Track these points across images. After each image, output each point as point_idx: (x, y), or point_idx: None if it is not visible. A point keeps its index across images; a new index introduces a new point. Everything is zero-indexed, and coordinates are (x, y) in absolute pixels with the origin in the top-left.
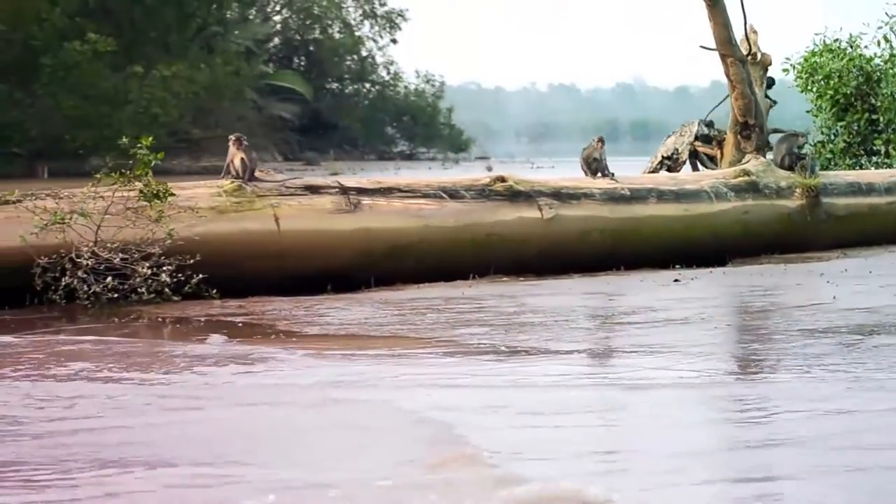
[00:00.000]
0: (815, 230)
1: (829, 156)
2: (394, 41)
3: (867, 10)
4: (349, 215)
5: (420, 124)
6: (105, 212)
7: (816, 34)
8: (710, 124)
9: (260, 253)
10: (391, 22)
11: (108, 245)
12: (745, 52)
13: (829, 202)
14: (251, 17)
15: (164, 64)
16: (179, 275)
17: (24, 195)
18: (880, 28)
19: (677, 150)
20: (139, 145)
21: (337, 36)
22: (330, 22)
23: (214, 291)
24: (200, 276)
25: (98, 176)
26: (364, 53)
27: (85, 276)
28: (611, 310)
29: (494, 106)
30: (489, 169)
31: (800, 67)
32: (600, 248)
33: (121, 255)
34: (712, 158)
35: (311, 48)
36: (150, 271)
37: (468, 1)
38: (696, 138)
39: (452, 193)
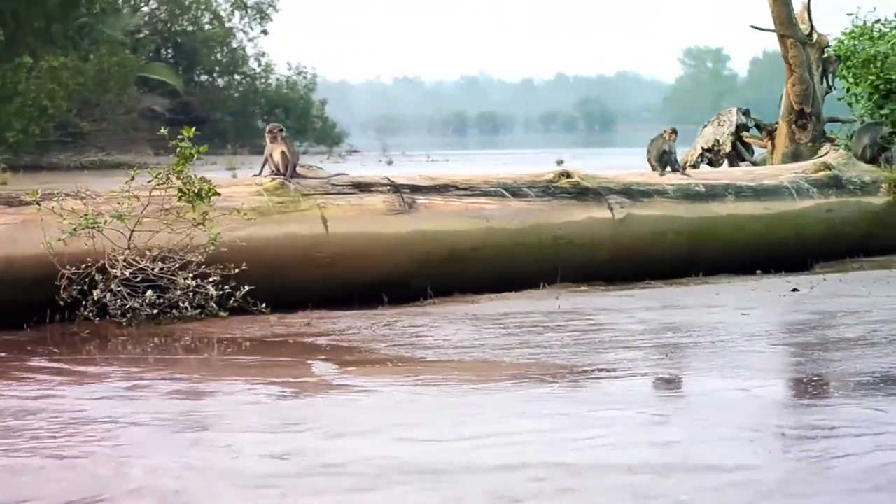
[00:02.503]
0: None
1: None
2: (264, 32)
3: None
4: (403, 216)
5: (292, 117)
6: (141, 214)
7: (849, 14)
8: (746, 112)
9: (307, 259)
10: (262, 13)
11: (145, 252)
12: (805, 33)
13: None
14: (119, 7)
15: (51, 55)
16: (224, 286)
17: (46, 195)
18: None
19: (718, 140)
20: (180, 136)
21: (207, 27)
22: (199, 13)
23: (264, 305)
24: (246, 287)
25: (132, 172)
26: (234, 45)
27: (118, 288)
28: (769, 326)
29: (339, 99)
30: (389, 163)
31: (832, 51)
32: (675, 251)
33: (160, 264)
34: (748, 148)
35: (180, 40)
36: (193, 283)
37: None
38: (737, 128)
39: (515, 191)
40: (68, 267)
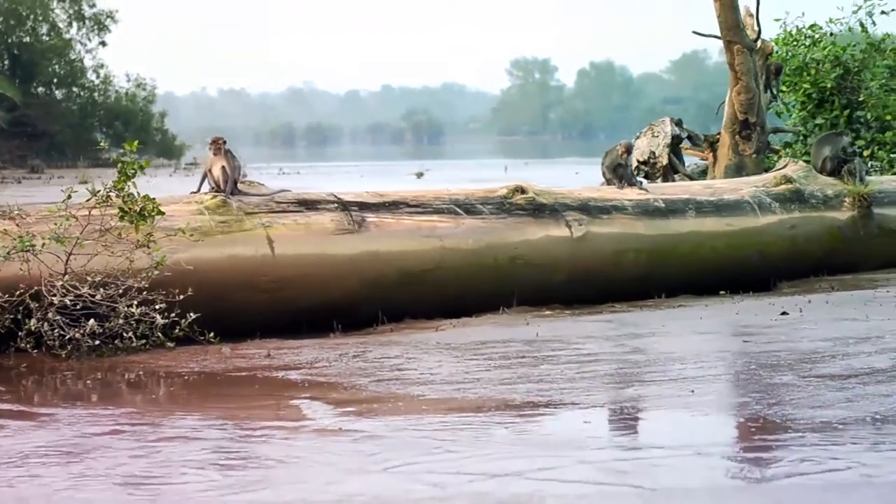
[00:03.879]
0: (867, 246)
1: (804, 158)
2: (103, 44)
3: None
4: (353, 236)
5: (132, 130)
6: (80, 235)
7: (777, 20)
8: (679, 123)
9: (252, 283)
10: (100, 24)
11: (84, 277)
12: (752, 38)
13: (879, 213)
14: None
15: None
16: (170, 314)
17: None
18: (855, 12)
19: (654, 153)
20: (122, 150)
21: (45, 38)
22: (37, 24)
23: (212, 335)
24: (192, 315)
25: (66, 190)
26: (73, 57)
27: (56, 317)
28: (774, 355)
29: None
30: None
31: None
32: (635, 270)
33: (101, 290)
34: (680, 160)
35: (17, 51)
36: (137, 310)
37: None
38: (672, 139)
39: (468, 208)
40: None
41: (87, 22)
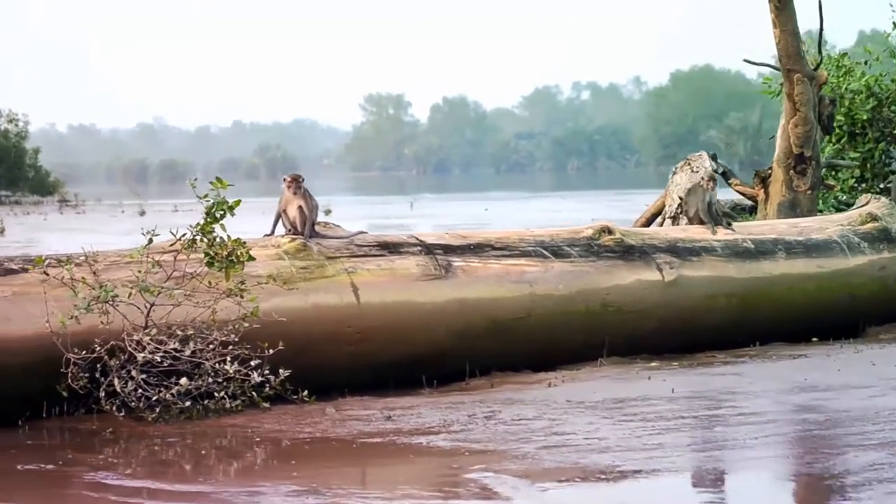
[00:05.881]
0: None
1: (838, 194)
2: None
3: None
4: (440, 282)
5: (4, 167)
6: (165, 284)
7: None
8: (714, 157)
9: (337, 334)
10: None
11: (172, 330)
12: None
13: None
14: None
15: None
16: (265, 371)
17: (53, 259)
18: (889, 36)
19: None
20: (212, 189)
21: None
22: None
23: (305, 393)
24: (283, 371)
25: (147, 233)
26: None
27: (140, 375)
28: None
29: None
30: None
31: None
32: (726, 316)
33: (191, 345)
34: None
35: None
36: (232, 368)
37: None
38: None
39: (555, 250)
40: (75, 350)
41: None
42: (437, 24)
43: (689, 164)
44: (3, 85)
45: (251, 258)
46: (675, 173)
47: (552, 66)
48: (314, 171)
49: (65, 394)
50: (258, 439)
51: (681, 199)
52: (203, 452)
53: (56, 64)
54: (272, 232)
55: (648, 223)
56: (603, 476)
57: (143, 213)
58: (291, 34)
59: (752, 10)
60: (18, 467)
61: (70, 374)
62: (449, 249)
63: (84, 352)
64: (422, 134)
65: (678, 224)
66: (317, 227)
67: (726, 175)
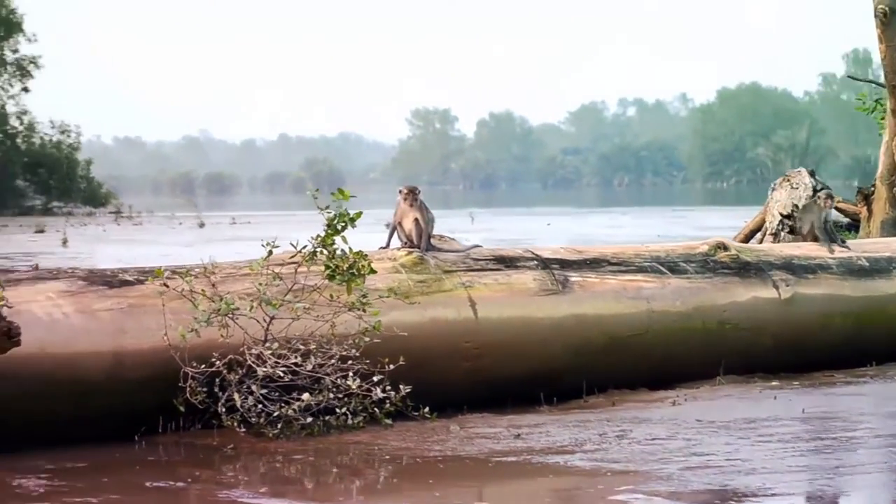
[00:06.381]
0: None
1: None
2: (25, 90)
3: None
4: (557, 297)
5: (57, 177)
6: (285, 298)
7: None
8: (812, 173)
9: (454, 350)
10: (22, 69)
11: (293, 344)
12: None
13: None
14: None
15: None
16: (386, 386)
17: (174, 271)
18: None
19: (796, 206)
20: (334, 201)
21: None
22: None
23: (426, 409)
24: (404, 387)
25: (266, 245)
26: None
27: (261, 390)
28: None
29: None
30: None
31: None
32: (841, 335)
33: (312, 359)
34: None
35: None
36: (355, 383)
37: None
38: (813, 191)
39: (671, 266)
40: (193, 364)
41: (8, 67)
42: (481, 40)
43: (789, 181)
44: (52, 96)
45: (373, 271)
46: (774, 190)
47: (598, 82)
48: (361, 185)
49: (182, 409)
50: (387, 457)
51: (783, 215)
52: (336, 470)
53: (101, 76)
54: (387, 244)
55: (747, 239)
56: (756, 499)
57: (202, 226)
58: (337, 49)
59: (801, 28)
60: (147, 484)
61: (189, 389)
62: (565, 264)
63: (203, 365)
64: (468, 149)
65: (778, 241)
66: (432, 241)
67: (815, 191)
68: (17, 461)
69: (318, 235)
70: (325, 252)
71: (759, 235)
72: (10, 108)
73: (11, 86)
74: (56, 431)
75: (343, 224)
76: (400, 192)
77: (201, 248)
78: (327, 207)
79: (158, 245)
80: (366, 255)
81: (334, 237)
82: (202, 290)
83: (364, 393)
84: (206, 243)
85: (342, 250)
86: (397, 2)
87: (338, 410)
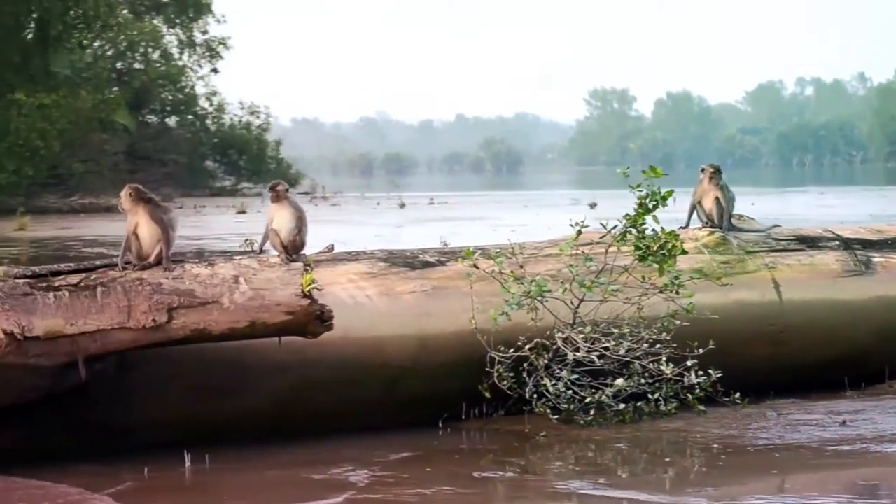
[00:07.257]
0: None
1: None
2: (215, 71)
3: None
4: (860, 279)
5: (247, 158)
6: (598, 280)
7: None
8: None
9: (757, 333)
10: (212, 51)
11: (598, 327)
12: None
13: None
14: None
15: (42, 92)
16: (698, 371)
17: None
18: None
19: None
20: (646, 181)
21: (156, 65)
22: (148, 51)
23: (737, 395)
24: (715, 372)
25: (576, 225)
26: (184, 84)
27: (571, 376)
28: None
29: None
30: (401, 206)
31: None
32: None
33: (624, 343)
34: None
35: (126, 78)
36: (669, 368)
37: None
38: None
39: None
40: (500, 348)
41: (198, 49)
42: (653, 19)
43: None
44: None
45: (684, 252)
46: None
47: (775, 61)
48: (539, 166)
49: (487, 394)
50: (715, 445)
51: None
52: (674, 459)
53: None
54: (687, 224)
55: None
56: None
57: (402, 206)
58: (513, 31)
59: None
60: (475, 475)
61: (497, 374)
62: (867, 244)
63: (510, 350)
64: (646, 128)
65: None
66: (733, 220)
67: None
68: (321, 450)
69: (628, 215)
70: (634, 232)
71: None
72: (199, 89)
73: (201, 66)
74: (364, 418)
75: (655, 203)
76: (703, 170)
77: (412, 229)
78: (638, 186)
79: (367, 226)
80: (677, 235)
81: (644, 216)
82: (511, 271)
83: (676, 378)
84: (417, 223)
85: (653, 230)
86: None
87: (649, 396)
